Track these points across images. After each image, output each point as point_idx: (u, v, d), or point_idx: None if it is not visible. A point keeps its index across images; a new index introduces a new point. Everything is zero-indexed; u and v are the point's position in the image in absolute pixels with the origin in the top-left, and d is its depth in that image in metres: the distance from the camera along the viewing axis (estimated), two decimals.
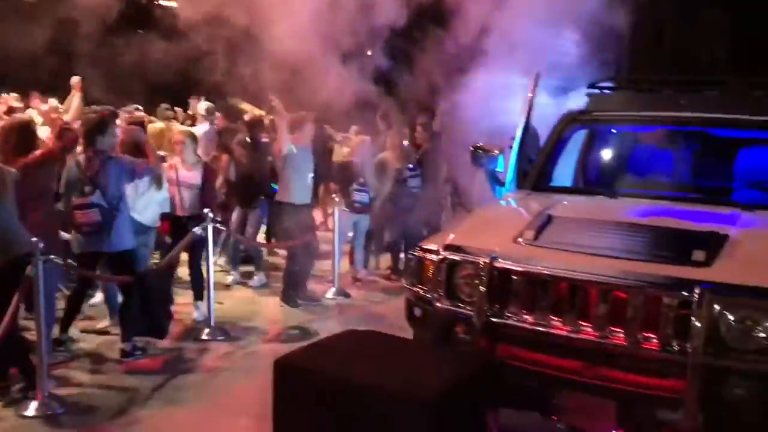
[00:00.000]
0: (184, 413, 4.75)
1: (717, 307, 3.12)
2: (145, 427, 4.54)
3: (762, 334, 3.08)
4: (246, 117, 9.22)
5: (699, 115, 4.59)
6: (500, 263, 3.59)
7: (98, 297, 6.69)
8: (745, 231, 3.63)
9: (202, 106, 9.36)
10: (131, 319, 5.71)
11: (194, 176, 6.66)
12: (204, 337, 6.26)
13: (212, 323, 6.37)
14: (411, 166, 8.34)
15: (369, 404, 3.04)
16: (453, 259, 3.80)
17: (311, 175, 7.24)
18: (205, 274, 6.51)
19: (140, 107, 9.36)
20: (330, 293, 7.74)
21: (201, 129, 9.65)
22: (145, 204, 6.29)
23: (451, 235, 4.07)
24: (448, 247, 3.89)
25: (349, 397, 3.09)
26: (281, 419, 3.32)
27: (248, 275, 8.19)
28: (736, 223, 3.74)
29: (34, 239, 4.64)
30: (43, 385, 4.70)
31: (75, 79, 10.26)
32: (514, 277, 3.55)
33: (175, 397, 5.00)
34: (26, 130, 5.59)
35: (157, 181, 6.23)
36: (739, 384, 3.07)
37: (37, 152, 5.50)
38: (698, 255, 3.35)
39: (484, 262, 3.59)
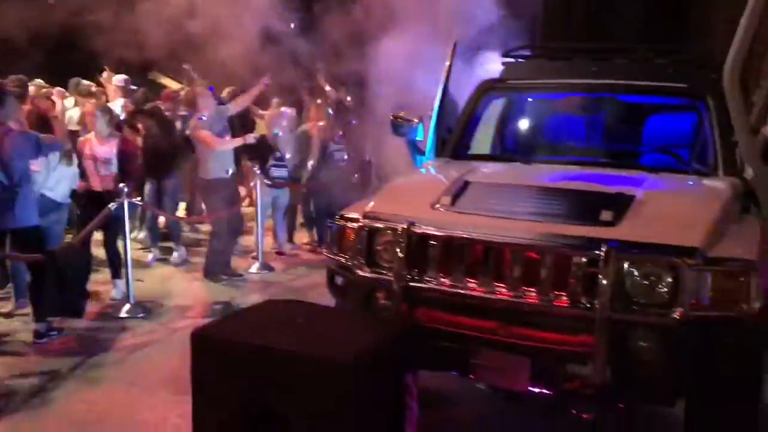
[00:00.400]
0: (101, 392, 4.64)
1: (622, 264, 3.25)
2: (60, 408, 4.41)
3: (664, 289, 3.23)
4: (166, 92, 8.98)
5: (608, 82, 4.74)
6: (418, 229, 3.63)
7: None
8: (650, 192, 3.78)
9: (118, 77, 9.04)
10: (44, 298, 5.51)
11: (108, 150, 6.44)
12: (123, 315, 6.12)
13: (131, 301, 6.22)
14: (336, 138, 8.33)
15: (288, 371, 3.03)
16: (372, 227, 3.82)
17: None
18: (122, 251, 6.34)
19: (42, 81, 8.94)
20: (254, 268, 7.67)
21: (118, 103, 9.34)
22: (57, 180, 6.07)
23: (371, 203, 4.08)
24: (368, 215, 3.90)
25: (268, 364, 3.08)
26: (200, 391, 3.28)
27: (169, 252, 8.03)
28: (642, 186, 3.89)
29: None
30: None
31: None
32: (432, 242, 3.60)
33: (93, 377, 4.89)
34: None
35: (67, 157, 6.00)
36: (642, 337, 3.21)
37: None
38: (605, 215, 3.47)
39: (402, 228, 3.63)
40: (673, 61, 4.72)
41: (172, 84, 9.66)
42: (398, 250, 3.62)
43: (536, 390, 3.48)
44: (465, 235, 3.54)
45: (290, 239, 8.65)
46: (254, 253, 7.88)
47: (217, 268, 7.17)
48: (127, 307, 6.16)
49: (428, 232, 3.61)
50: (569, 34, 5.13)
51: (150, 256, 7.94)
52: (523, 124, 5.30)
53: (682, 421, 3.58)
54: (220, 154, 6.95)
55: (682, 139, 4.78)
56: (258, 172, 7.66)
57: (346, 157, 8.35)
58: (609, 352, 3.20)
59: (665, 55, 4.77)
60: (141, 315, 6.14)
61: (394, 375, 3.24)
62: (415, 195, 4.05)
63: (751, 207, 4.16)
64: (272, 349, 3.11)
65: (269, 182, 7.74)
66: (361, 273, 3.80)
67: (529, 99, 5.28)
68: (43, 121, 5.76)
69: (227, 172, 7.02)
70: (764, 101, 4.26)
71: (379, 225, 3.79)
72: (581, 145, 4.96)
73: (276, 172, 7.85)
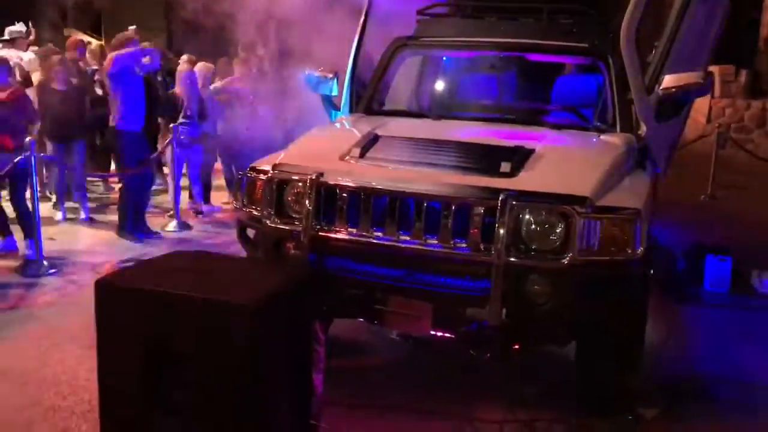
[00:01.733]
0: (9, 347, 4.57)
1: (518, 212, 3.41)
2: None
3: (557, 236, 3.41)
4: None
5: (514, 41, 4.88)
6: (326, 179, 3.70)
7: None
8: (548, 147, 3.95)
9: (14, 28, 8.68)
10: None
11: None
12: (33, 272, 5.99)
13: (41, 257, 6.09)
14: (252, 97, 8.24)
15: (189, 316, 3.07)
16: (282, 178, 3.87)
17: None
18: (30, 206, 6.18)
19: None
20: (170, 226, 7.60)
21: (27, 56, 8.98)
22: None
23: (281, 155, 4.12)
24: (278, 167, 3.94)
25: (169, 310, 3.10)
26: (105, 339, 3.28)
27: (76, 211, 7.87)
28: (542, 141, 4.06)
29: None
30: None
31: None
32: (340, 193, 3.68)
33: (4, 334, 4.79)
34: None
35: None
36: (536, 281, 3.39)
37: None
38: (505, 167, 3.62)
39: (311, 179, 3.69)
40: (578, 21, 4.89)
41: (88, 40, 9.36)
42: (307, 200, 3.68)
43: (439, 334, 3.63)
44: (371, 186, 3.62)
45: (207, 200, 8.56)
46: (171, 212, 7.79)
47: (129, 226, 7.06)
48: (36, 265, 6.02)
49: (336, 182, 3.68)
50: None
51: (59, 215, 7.74)
52: (435, 81, 5.40)
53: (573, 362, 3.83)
54: (130, 105, 6.82)
55: (586, 98, 4.99)
56: (171, 128, 7.53)
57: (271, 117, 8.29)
58: (505, 296, 3.36)
59: (571, 15, 4.94)
60: (51, 272, 6.02)
61: (297, 320, 3.32)
62: (326, 147, 4.11)
63: (645, 162, 4.43)
64: (173, 294, 3.13)
65: (182, 139, 7.63)
66: (270, 224, 3.85)
67: (441, 56, 5.38)
68: None
69: (137, 124, 6.89)
70: (658, 61, 4.49)
71: (289, 176, 3.84)
72: (490, 102, 5.11)
73: (183, 130, 7.71)
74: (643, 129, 4.39)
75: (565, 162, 3.82)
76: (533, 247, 3.42)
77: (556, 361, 4.15)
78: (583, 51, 4.80)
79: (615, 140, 4.23)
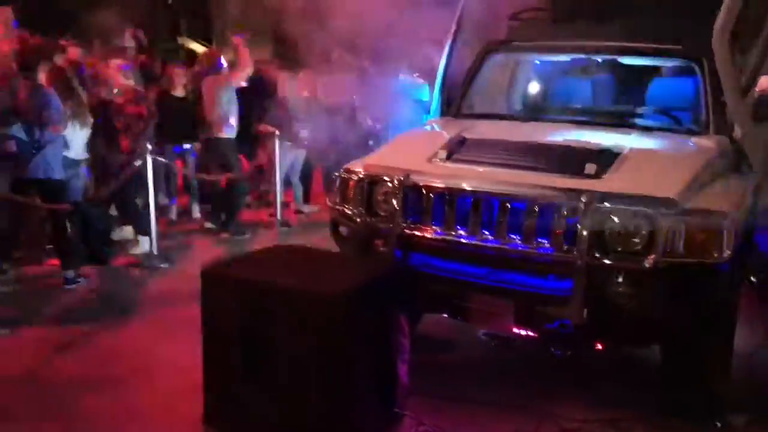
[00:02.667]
0: (123, 333, 4.99)
1: (602, 213, 3.45)
2: (85, 346, 4.76)
3: (641, 238, 3.43)
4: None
5: (607, 44, 4.87)
6: (413, 180, 3.87)
7: None
8: (637, 149, 3.96)
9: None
10: (71, 247, 5.88)
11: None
12: (148, 264, 6.47)
13: (155, 251, 6.58)
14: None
15: (284, 304, 3.32)
16: (372, 178, 4.07)
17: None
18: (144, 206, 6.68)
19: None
20: (274, 224, 8.02)
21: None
22: (70, 139, 6.31)
23: (373, 156, 4.33)
24: (368, 167, 4.15)
25: (266, 298, 3.37)
26: (208, 324, 3.59)
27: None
28: (631, 143, 4.07)
29: None
30: None
31: None
32: (426, 192, 3.84)
33: (116, 319, 5.22)
34: None
35: (81, 120, 6.20)
36: (618, 282, 3.43)
37: None
38: (589, 168, 3.67)
39: (399, 179, 3.87)
40: (672, 22, 4.83)
41: (198, 48, 9.93)
42: (394, 200, 3.87)
43: (521, 332, 3.72)
44: (456, 186, 3.76)
45: (306, 200, 8.92)
46: (272, 211, 8.20)
47: (234, 223, 7.49)
48: (151, 257, 6.51)
49: (422, 182, 3.84)
50: None
51: (173, 212, 8.30)
52: (526, 84, 5.46)
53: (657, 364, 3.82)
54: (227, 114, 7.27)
55: (682, 100, 4.91)
56: (278, 133, 7.92)
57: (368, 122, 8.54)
58: (587, 296, 3.42)
59: (665, 17, 4.88)
60: (164, 265, 6.48)
61: (383, 312, 3.51)
62: (414, 149, 4.28)
63: (741, 165, 4.33)
64: (270, 283, 3.41)
65: (290, 143, 8.01)
66: (360, 221, 4.06)
67: (532, 60, 5.44)
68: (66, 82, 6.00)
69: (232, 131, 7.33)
70: (756, 62, 4.39)
71: (378, 176, 4.03)
72: (581, 105, 5.13)
73: (302, 134, 8.09)
74: (737, 131, 4.30)
75: (653, 164, 3.83)
76: (617, 248, 3.46)
77: (640, 361, 4.14)
78: (676, 53, 4.74)
79: (707, 143, 4.18)
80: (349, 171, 4.26)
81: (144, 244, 6.75)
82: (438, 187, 3.81)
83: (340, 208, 4.29)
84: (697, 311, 3.48)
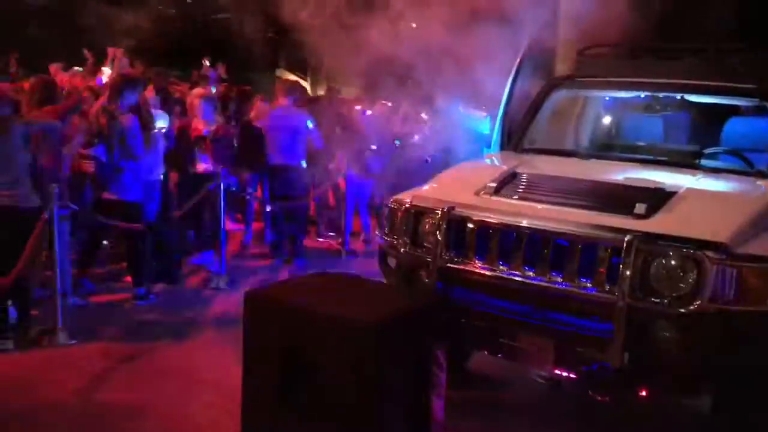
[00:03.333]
0: (184, 349, 5.18)
1: (646, 254, 3.33)
2: (150, 359, 4.99)
3: (687, 281, 3.28)
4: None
5: (675, 81, 4.73)
6: (457, 212, 3.86)
7: None
8: (694, 189, 3.81)
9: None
10: (143, 265, 6.16)
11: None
12: (214, 285, 6.69)
13: (223, 272, 6.79)
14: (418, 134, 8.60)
15: (321, 330, 3.37)
16: (418, 209, 4.09)
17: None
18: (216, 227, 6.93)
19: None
20: (339, 251, 8.14)
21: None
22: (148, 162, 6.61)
23: (424, 188, 4.35)
24: (416, 198, 4.17)
25: (305, 323, 3.43)
26: (248, 347, 3.67)
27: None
28: (690, 184, 3.92)
29: (53, 185, 5.10)
30: (57, 319, 5.18)
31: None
32: (469, 226, 3.82)
33: (180, 336, 5.43)
34: (50, 85, 6.01)
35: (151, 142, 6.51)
36: (661, 326, 3.29)
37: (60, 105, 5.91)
38: (639, 208, 3.55)
39: (443, 211, 3.87)
40: (744, 60, 4.65)
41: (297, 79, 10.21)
42: (437, 231, 3.87)
43: (561, 373, 3.62)
44: (499, 220, 3.73)
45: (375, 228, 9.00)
46: (340, 240, 8.33)
47: (297, 251, 7.64)
48: (218, 278, 6.73)
49: (465, 215, 3.83)
50: (649, 33, 5.11)
51: (246, 236, 8.55)
52: (590, 121, 5.35)
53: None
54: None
55: (755, 141, 4.70)
56: (348, 162, 8.07)
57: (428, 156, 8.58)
58: (627, 338, 3.29)
59: (736, 55, 4.70)
60: (229, 287, 6.69)
61: (418, 344, 3.49)
62: (464, 182, 4.27)
63: None
64: (309, 310, 3.46)
65: (360, 172, 8.14)
66: (405, 252, 4.07)
67: (598, 96, 5.33)
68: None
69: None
70: None
71: (424, 208, 4.05)
72: (645, 143, 4.98)
73: (372, 163, 8.22)
74: None
75: (708, 206, 3.67)
76: (662, 291, 3.32)
77: (691, 410, 3.93)
78: (749, 92, 4.55)
79: None
80: (397, 202, 4.30)
81: (214, 267, 6.99)
82: (481, 221, 3.78)
83: (388, 238, 4.32)
84: (746, 363, 3.28)
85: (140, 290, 6.15)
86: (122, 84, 6.08)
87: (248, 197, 8.09)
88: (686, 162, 4.56)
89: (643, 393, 3.52)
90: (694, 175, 4.19)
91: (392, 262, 4.33)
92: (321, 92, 9.74)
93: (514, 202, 3.89)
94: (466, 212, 3.86)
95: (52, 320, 5.20)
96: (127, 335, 5.44)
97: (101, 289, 6.34)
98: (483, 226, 3.79)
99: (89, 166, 5.89)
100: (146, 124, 6.02)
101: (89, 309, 5.94)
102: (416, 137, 8.39)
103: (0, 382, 4.56)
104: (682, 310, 3.25)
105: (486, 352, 3.93)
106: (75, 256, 6.17)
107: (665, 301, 3.29)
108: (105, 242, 6.90)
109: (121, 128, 5.86)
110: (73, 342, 5.18)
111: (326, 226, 9.11)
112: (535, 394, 4.52)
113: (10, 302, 5.14)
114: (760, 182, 4.05)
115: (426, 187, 4.35)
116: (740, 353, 3.26)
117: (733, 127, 5.09)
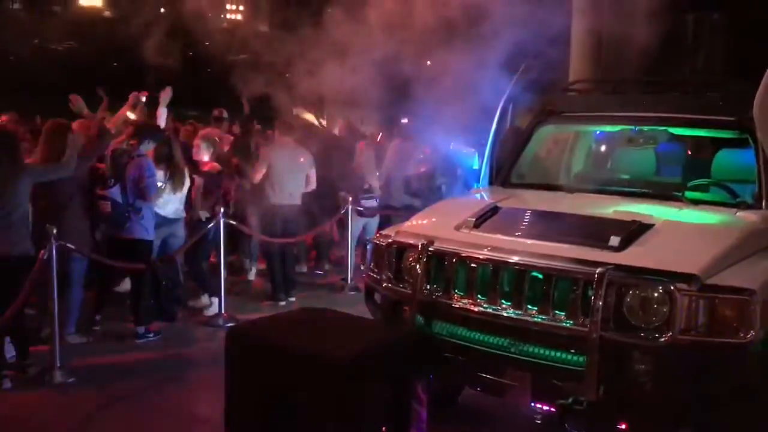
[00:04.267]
0: (181, 389, 5.23)
1: (618, 287, 3.36)
2: (149, 399, 5.04)
3: (659, 314, 3.29)
4: None
5: (658, 115, 4.78)
6: (435, 247, 3.91)
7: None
8: (671, 221, 3.84)
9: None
10: (143, 304, 6.25)
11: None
12: (214, 323, 6.76)
13: (223, 311, 6.86)
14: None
15: (296, 368, 3.42)
16: (399, 244, 4.15)
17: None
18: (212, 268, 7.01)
19: None
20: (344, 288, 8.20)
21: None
22: (165, 200, 6.77)
23: (407, 223, 4.42)
24: (399, 234, 4.24)
25: (281, 361, 3.48)
26: (231, 384, 3.73)
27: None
28: (668, 216, 3.95)
29: (49, 226, 5.23)
30: (55, 358, 5.26)
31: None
32: (447, 260, 3.87)
33: (178, 375, 5.51)
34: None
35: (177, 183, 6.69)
36: (635, 358, 3.29)
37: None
38: (614, 241, 3.59)
39: (422, 245, 3.93)
40: (725, 94, 4.70)
41: (312, 120, 10.27)
42: (417, 266, 3.92)
43: (539, 406, 3.62)
44: (475, 254, 3.77)
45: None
46: (344, 276, 8.38)
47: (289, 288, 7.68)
48: (218, 317, 6.80)
49: (443, 250, 3.88)
50: (629, 68, 5.22)
51: (252, 274, 8.63)
52: (576, 155, 5.41)
53: None
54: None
55: (735, 171, 4.72)
56: (350, 200, 8.16)
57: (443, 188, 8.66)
58: (601, 371, 3.30)
59: (716, 89, 4.76)
60: (229, 324, 6.74)
61: (396, 378, 3.52)
62: (446, 217, 4.33)
63: None
64: (287, 346, 3.52)
65: (360, 210, 8.22)
66: (387, 287, 4.12)
67: (582, 131, 5.40)
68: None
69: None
70: None
71: (405, 243, 4.11)
72: (630, 176, 5.01)
73: (366, 203, 8.29)
74: None
75: (683, 238, 3.70)
76: (634, 324, 3.34)
77: None
78: (729, 124, 4.58)
79: (752, 217, 3.98)
80: (381, 236, 4.36)
81: (214, 305, 7.06)
82: (457, 255, 3.83)
83: (373, 274, 4.37)
84: (726, 393, 3.27)
85: (140, 329, 6.23)
86: (146, 131, 6.31)
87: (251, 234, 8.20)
88: (669, 195, 4.59)
89: (622, 427, 3.51)
90: (676, 207, 4.22)
91: (377, 297, 4.39)
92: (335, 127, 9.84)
93: (492, 236, 3.94)
94: (444, 246, 3.91)
95: (51, 359, 5.29)
96: (125, 374, 5.49)
97: (106, 327, 6.45)
98: (461, 260, 3.83)
99: (106, 206, 6.06)
100: (174, 169, 6.29)
101: (90, 347, 6.03)
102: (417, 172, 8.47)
103: None
104: (655, 343, 3.26)
105: (467, 387, 3.92)
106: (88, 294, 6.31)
107: (639, 333, 3.31)
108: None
109: (139, 172, 6.03)
110: (71, 380, 5.25)
111: (329, 261, 9.18)
112: (527, 430, 4.51)
113: (8, 340, 5.24)
114: (740, 213, 4.07)
115: (410, 222, 4.42)
116: (714, 385, 3.25)
117: (717, 158, 5.12)
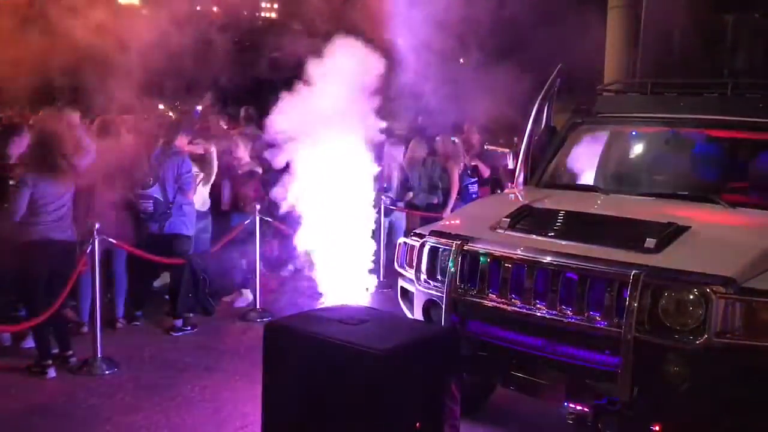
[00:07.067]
0: (215, 380, 5.34)
1: (654, 289, 3.36)
2: (181, 390, 5.15)
3: (695, 316, 3.30)
4: None
5: (695, 117, 4.76)
6: (471, 246, 3.95)
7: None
8: (708, 224, 3.82)
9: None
10: (181, 298, 6.39)
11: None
12: (250, 318, 6.87)
13: (258, 306, 6.98)
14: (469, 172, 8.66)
15: (334, 359, 3.48)
16: (434, 243, 4.19)
17: None
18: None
19: None
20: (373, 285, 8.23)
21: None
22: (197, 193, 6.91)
23: (442, 223, 4.46)
24: (433, 233, 4.28)
25: (319, 353, 3.55)
26: (268, 374, 3.80)
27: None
28: (706, 218, 3.93)
29: (91, 221, 5.41)
30: (97, 349, 5.43)
31: None
32: (482, 259, 3.91)
33: (212, 367, 5.61)
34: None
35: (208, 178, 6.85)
36: (669, 360, 3.30)
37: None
38: (649, 243, 3.59)
39: (456, 245, 3.97)
40: (763, 96, 4.66)
41: None
42: (451, 265, 3.96)
43: (573, 406, 3.64)
44: (510, 254, 3.80)
45: None
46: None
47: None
48: (253, 311, 6.92)
49: (479, 249, 3.92)
50: (665, 71, 5.18)
51: (288, 268, 8.72)
52: (612, 156, 5.39)
53: None
54: None
55: None
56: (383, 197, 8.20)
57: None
58: (636, 372, 3.32)
59: (755, 91, 4.72)
60: (266, 319, 6.84)
61: (429, 375, 3.56)
62: (482, 217, 4.36)
63: None
64: (323, 339, 3.58)
65: (392, 207, 8.26)
66: (421, 285, 4.17)
67: (619, 132, 5.38)
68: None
69: None
70: None
71: (439, 242, 4.15)
72: (665, 178, 4.99)
73: (385, 201, 8.30)
74: None
75: (719, 240, 3.68)
76: (669, 326, 3.34)
77: None
78: (766, 126, 4.54)
79: None
80: (415, 235, 4.41)
81: (248, 298, 7.18)
82: (492, 255, 3.87)
83: (407, 272, 4.43)
84: (756, 398, 3.26)
85: (177, 322, 6.37)
86: (179, 127, 6.49)
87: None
88: (706, 197, 4.56)
89: (656, 428, 3.52)
90: (713, 209, 4.20)
91: (410, 295, 4.44)
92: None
93: (527, 236, 3.96)
94: (479, 246, 3.95)
95: (92, 350, 5.45)
96: (163, 365, 5.64)
97: (144, 321, 6.62)
98: (495, 260, 3.87)
99: (148, 206, 6.24)
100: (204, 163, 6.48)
101: (129, 339, 6.19)
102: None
103: (35, 407, 4.81)
104: (690, 345, 3.26)
105: (499, 385, 3.96)
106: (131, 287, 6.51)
107: (674, 335, 3.31)
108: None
109: (178, 169, 6.21)
110: (111, 371, 5.40)
111: None
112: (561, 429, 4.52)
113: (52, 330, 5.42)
114: None
115: (444, 222, 4.46)
116: (750, 388, 3.24)
117: (755, 160, 5.07)
